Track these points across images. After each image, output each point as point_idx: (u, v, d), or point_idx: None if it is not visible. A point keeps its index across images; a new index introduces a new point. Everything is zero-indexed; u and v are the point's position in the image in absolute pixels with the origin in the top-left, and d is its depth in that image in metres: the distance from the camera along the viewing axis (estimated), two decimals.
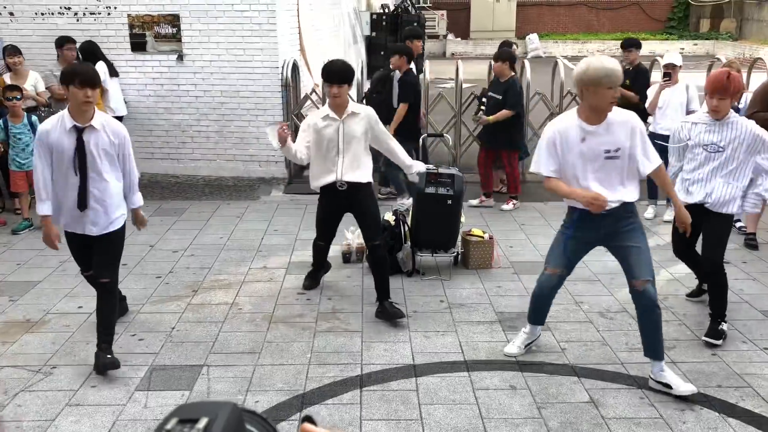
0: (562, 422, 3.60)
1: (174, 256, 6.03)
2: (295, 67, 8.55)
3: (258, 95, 8.39)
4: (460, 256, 5.81)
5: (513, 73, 7.21)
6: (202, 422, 0.62)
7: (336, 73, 4.57)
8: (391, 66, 7.33)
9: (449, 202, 5.56)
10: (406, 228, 5.70)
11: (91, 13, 8.40)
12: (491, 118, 7.11)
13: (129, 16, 8.37)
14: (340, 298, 5.12)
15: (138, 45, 8.44)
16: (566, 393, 3.87)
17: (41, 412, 3.70)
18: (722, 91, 4.22)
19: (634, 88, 7.37)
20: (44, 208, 4.05)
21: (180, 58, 8.37)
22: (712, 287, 4.52)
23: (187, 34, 8.31)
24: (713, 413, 3.67)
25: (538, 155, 3.87)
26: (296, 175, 8.60)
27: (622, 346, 4.41)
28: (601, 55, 3.77)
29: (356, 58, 12.20)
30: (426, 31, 15.66)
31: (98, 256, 4.22)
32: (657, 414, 3.67)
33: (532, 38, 23.23)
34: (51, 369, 4.16)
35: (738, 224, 6.60)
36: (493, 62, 7.37)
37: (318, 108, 8.24)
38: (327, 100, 4.61)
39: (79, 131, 3.92)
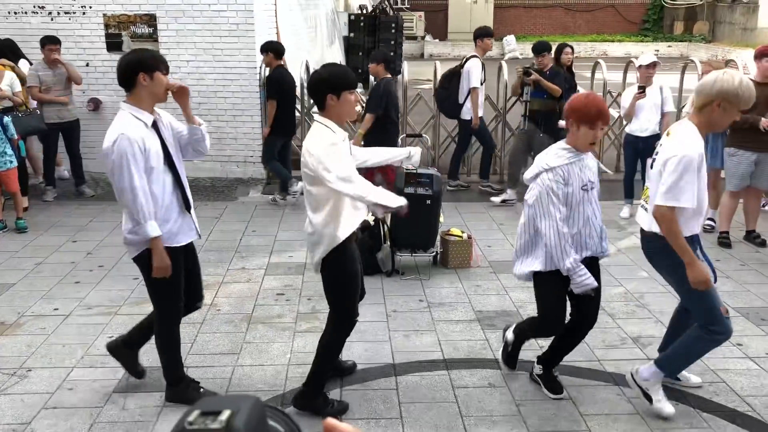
0: (541, 419, 3.64)
1: None
2: None
3: (236, 96, 8.36)
4: (439, 256, 5.84)
5: (387, 76, 6.88)
6: (225, 414, 0.62)
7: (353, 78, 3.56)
8: (369, 72, 7.26)
9: (428, 202, 5.59)
10: (386, 228, 5.71)
11: (65, 13, 8.31)
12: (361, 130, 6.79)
13: (104, 15, 8.29)
14: (319, 298, 5.11)
15: (114, 45, 8.36)
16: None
17: (17, 416, 3.65)
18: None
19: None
20: (155, 227, 3.39)
21: None
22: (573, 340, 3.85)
23: (164, 35, 8.25)
24: (688, 408, 3.73)
25: (683, 185, 3.20)
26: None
27: (599, 344, 4.46)
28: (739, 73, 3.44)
29: (335, 59, 12.18)
30: (404, 32, 15.69)
31: (195, 272, 3.81)
32: (634, 410, 3.72)
33: (509, 40, 23.38)
34: (26, 372, 4.11)
35: (707, 222, 6.71)
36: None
37: (296, 108, 8.24)
38: (339, 115, 3.43)
39: (154, 124, 3.44)
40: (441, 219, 5.86)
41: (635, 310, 4.94)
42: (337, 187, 3.28)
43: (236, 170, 8.52)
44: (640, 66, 6.80)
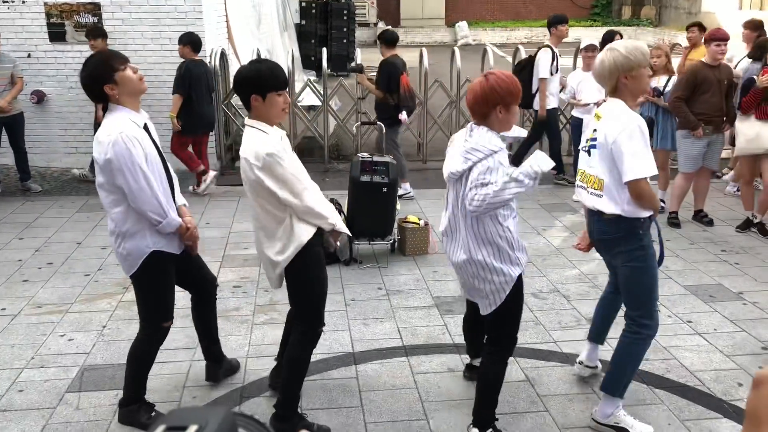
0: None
1: (103, 252, 5.84)
2: (223, 56, 8.37)
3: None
4: (396, 243, 5.85)
5: (194, 57, 7.22)
6: (191, 430, 0.59)
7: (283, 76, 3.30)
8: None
9: (384, 189, 5.58)
10: (342, 217, 5.69)
11: (3, 2, 8.01)
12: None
13: (46, 4, 8.02)
14: (276, 290, 5.07)
15: (56, 35, 8.10)
16: None
17: None
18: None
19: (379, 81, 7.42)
20: (177, 219, 3.32)
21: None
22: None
23: (110, 24, 8.03)
24: (642, 385, 3.82)
25: (643, 154, 3.12)
26: (229, 166, 8.45)
27: (555, 326, 4.53)
28: (618, 41, 3.39)
29: (286, 46, 12.05)
30: (356, 19, 15.61)
31: (198, 265, 3.73)
32: (590, 390, 3.80)
33: (462, 26, 23.46)
34: None
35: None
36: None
37: None
38: (267, 117, 3.19)
39: (146, 126, 3.29)
40: (398, 206, 5.87)
41: (589, 291, 5.03)
42: (300, 216, 3.16)
43: None
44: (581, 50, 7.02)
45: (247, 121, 3.23)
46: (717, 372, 3.96)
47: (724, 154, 7.01)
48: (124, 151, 3.09)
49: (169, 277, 3.46)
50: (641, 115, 6.69)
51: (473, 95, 3.13)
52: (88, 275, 5.38)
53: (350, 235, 3.40)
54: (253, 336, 4.41)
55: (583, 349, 3.94)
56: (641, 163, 3.09)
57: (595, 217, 3.38)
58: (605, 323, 3.87)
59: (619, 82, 3.20)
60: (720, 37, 6.10)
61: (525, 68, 7.70)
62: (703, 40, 6.36)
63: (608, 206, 3.25)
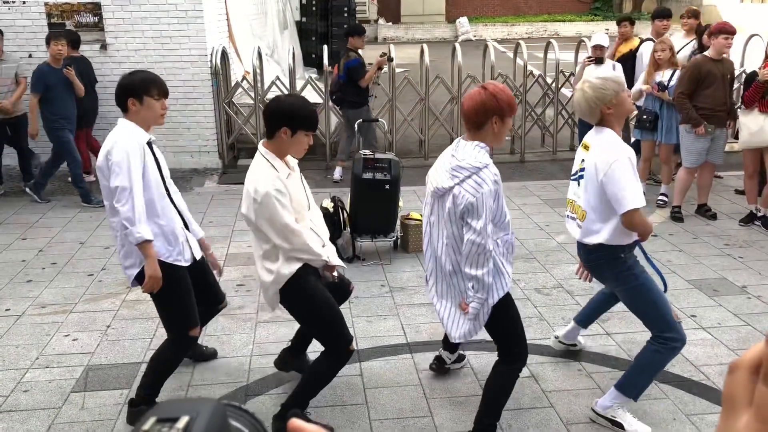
0: None
1: (106, 252, 5.84)
2: (224, 55, 8.36)
3: (187, 84, 8.18)
4: (399, 240, 5.85)
5: (75, 54, 7.27)
6: (182, 421, 0.58)
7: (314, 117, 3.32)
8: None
9: (387, 186, 5.57)
10: (345, 214, 5.69)
11: (4, 2, 8.00)
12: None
13: (46, 4, 8.02)
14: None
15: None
16: None
17: None
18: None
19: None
20: (148, 231, 3.23)
21: (103, 47, 8.08)
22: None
23: (110, 23, 8.02)
24: None
25: (634, 186, 3.15)
26: (230, 165, 8.46)
27: (558, 321, 4.53)
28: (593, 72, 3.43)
29: (287, 44, 12.04)
30: (357, 15, 15.59)
31: (210, 280, 3.77)
32: (594, 384, 3.79)
33: (462, 21, 23.42)
34: None
35: (660, 198, 6.86)
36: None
37: (250, 95, 8.13)
38: (285, 151, 3.23)
39: (149, 144, 3.35)
40: (400, 203, 5.86)
41: (593, 287, 5.01)
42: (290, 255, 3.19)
43: (190, 161, 8.36)
44: (592, 47, 7.00)
45: (261, 148, 3.23)
46: (722, 366, 3.95)
47: (726, 147, 6.98)
48: (124, 152, 3.18)
49: (181, 285, 3.43)
50: (645, 109, 6.73)
51: (471, 103, 3.06)
52: (91, 275, 5.39)
53: (345, 266, 3.43)
54: (257, 334, 4.41)
55: (565, 329, 4.08)
56: (632, 195, 3.14)
57: (580, 245, 3.46)
58: (594, 314, 4.00)
59: (603, 113, 3.24)
60: (728, 30, 6.06)
61: (628, 60, 7.54)
62: (708, 33, 6.30)
63: (590, 238, 3.33)
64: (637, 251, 3.43)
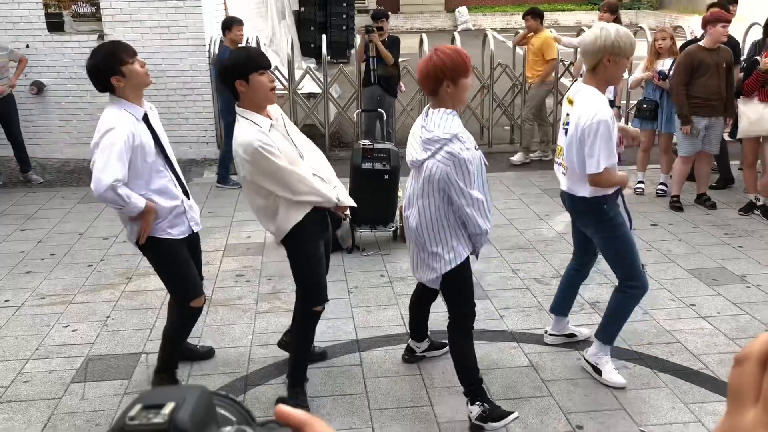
0: (504, 386, 3.69)
1: (105, 243, 5.84)
2: (221, 44, 8.32)
3: (185, 74, 8.16)
4: (399, 230, 5.84)
5: None
6: (168, 407, 0.58)
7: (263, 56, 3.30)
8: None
9: (386, 177, 5.56)
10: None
11: None
12: None
13: None
14: (279, 278, 5.07)
15: (55, 25, 8.06)
16: (506, 358, 3.96)
17: None
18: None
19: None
20: (141, 201, 3.25)
21: (101, 38, 8.03)
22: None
23: (108, 13, 7.99)
24: (645, 369, 3.82)
25: (606, 148, 3.26)
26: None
27: None
28: (609, 24, 3.45)
29: (286, 34, 11.98)
30: (356, 5, 15.51)
31: (196, 261, 3.71)
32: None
33: (462, 11, 23.33)
34: None
35: (659, 187, 6.86)
36: None
37: None
38: (256, 102, 3.19)
39: (145, 117, 3.31)
40: (399, 193, 5.85)
41: (592, 276, 5.00)
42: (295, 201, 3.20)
43: (189, 151, 8.35)
44: None
45: (237, 110, 3.20)
46: (721, 355, 3.96)
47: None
48: (111, 142, 3.14)
49: (178, 257, 3.47)
50: (645, 98, 6.71)
51: (420, 71, 3.16)
52: (90, 266, 5.39)
53: (355, 205, 3.53)
54: (257, 325, 4.42)
55: (550, 324, 4.17)
56: (600, 159, 3.28)
57: (565, 193, 3.64)
58: (566, 298, 4.10)
59: (602, 62, 3.31)
60: (725, 19, 6.04)
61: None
62: (704, 22, 6.27)
63: (574, 189, 3.53)
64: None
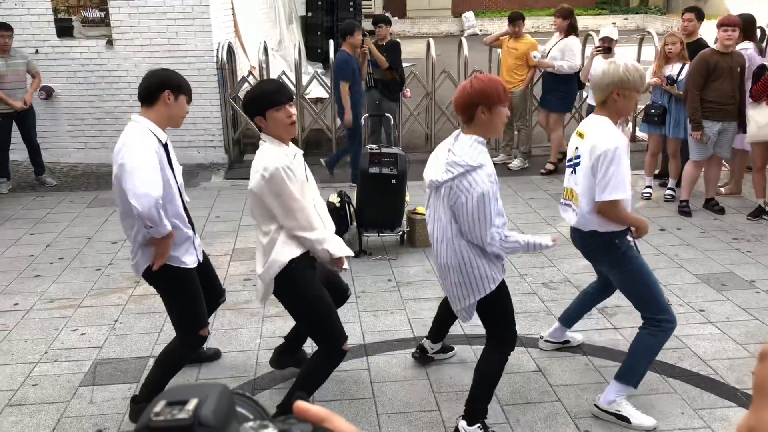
0: (512, 391, 3.68)
1: (113, 247, 5.86)
2: (230, 50, 8.37)
3: (193, 79, 8.15)
4: (406, 235, 5.84)
5: None
6: (192, 403, 0.60)
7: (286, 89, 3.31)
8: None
9: (393, 181, 5.57)
10: (352, 209, 5.68)
11: None
12: None
13: (53, 0, 8.03)
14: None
15: (64, 30, 8.11)
16: (514, 363, 3.94)
17: None
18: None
19: (388, 60, 7.53)
20: (168, 223, 3.18)
21: (110, 43, 8.09)
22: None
23: (116, 18, 8.03)
24: (654, 375, 3.81)
25: (618, 177, 3.19)
26: (237, 160, 8.46)
27: None
28: (621, 59, 3.40)
29: (293, 39, 12.03)
30: (362, 10, 15.56)
31: (209, 276, 3.71)
32: (602, 379, 3.79)
33: (468, 16, 23.36)
34: None
35: (667, 192, 6.85)
36: None
37: None
38: (276, 135, 3.18)
39: (165, 145, 3.31)
40: (407, 198, 5.86)
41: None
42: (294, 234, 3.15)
43: (197, 156, 8.38)
44: (600, 39, 7.03)
45: (262, 135, 3.22)
46: (730, 361, 3.94)
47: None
48: (144, 152, 3.10)
49: (190, 286, 3.41)
50: (654, 103, 6.71)
51: (458, 97, 3.14)
52: (99, 270, 5.41)
53: (352, 253, 3.45)
54: (264, 329, 4.42)
55: (549, 329, 4.12)
56: (612, 187, 3.17)
57: (576, 231, 3.49)
58: (578, 313, 4.02)
59: (611, 96, 3.27)
60: (727, 23, 6.04)
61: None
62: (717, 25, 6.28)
63: (585, 225, 3.37)
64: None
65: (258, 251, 3.31)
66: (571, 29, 7.50)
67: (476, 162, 3.01)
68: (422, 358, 3.94)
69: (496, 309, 3.27)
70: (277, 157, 3.09)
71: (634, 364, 3.41)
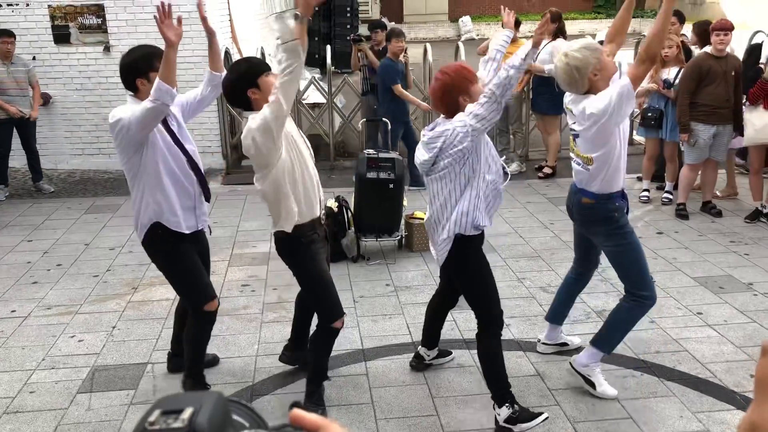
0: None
1: (111, 253, 5.86)
2: (227, 56, 8.37)
3: (190, 85, 8.10)
4: (404, 239, 5.84)
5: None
6: (187, 412, 0.60)
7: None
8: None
9: (391, 186, 5.58)
10: (349, 214, 5.68)
11: (8, 5, 8.03)
12: None
13: (50, 6, 8.04)
14: (285, 287, 5.07)
15: (61, 37, 8.12)
16: (512, 367, 3.93)
17: None
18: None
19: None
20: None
21: (107, 49, 8.10)
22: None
23: (113, 25, 8.04)
24: (653, 378, 3.81)
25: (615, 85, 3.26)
26: (234, 165, 8.46)
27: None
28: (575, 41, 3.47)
29: None
30: (359, 15, 15.59)
31: (206, 265, 3.72)
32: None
33: (465, 20, 23.41)
34: None
35: (664, 195, 6.86)
36: None
37: None
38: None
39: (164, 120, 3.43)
40: (404, 202, 5.86)
41: (598, 284, 5.01)
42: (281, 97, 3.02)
43: None
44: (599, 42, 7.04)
45: (247, 114, 3.25)
46: (728, 363, 3.94)
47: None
48: (131, 116, 3.19)
49: (185, 257, 3.48)
50: (650, 107, 6.72)
51: (434, 92, 3.22)
52: (96, 276, 5.40)
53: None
54: (263, 334, 4.42)
55: (544, 332, 4.15)
56: (615, 88, 3.16)
57: (574, 198, 3.59)
58: (564, 306, 4.08)
59: (590, 80, 3.30)
60: (720, 27, 6.06)
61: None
62: (710, 29, 6.30)
63: (585, 179, 3.46)
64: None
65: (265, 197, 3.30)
66: (559, 32, 7.57)
67: (453, 124, 3.10)
68: (419, 365, 3.95)
69: (476, 283, 3.36)
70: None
71: (611, 333, 3.61)
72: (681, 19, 7.07)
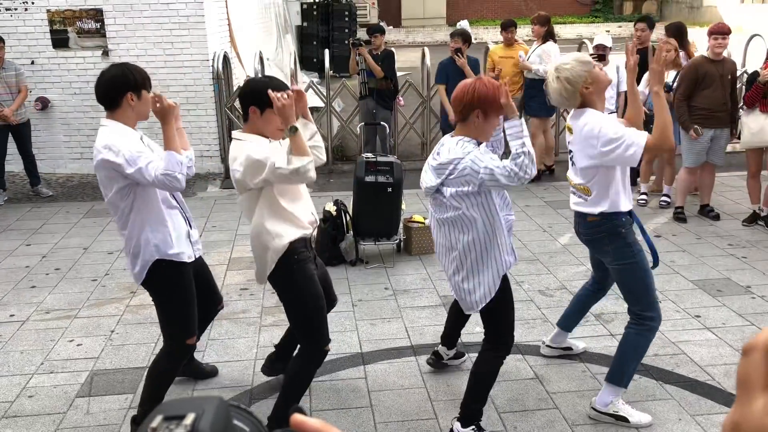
0: (509, 399, 3.68)
1: (109, 257, 5.85)
2: (225, 60, 8.38)
3: (189, 89, 8.21)
4: (402, 243, 5.85)
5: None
6: (189, 418, 0.60)
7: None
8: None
9: (389, 189, 5.58)
10: (348, 217, 5.69)
11: (6, 9, 8.04)
12: None
13: (48, 11, 8.05)
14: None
15: (60, 41, 8.13)
16: (511, 371, 3.94)
17: None
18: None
19: (382, 69, 7.63)
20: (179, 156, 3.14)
21: (105, 53, 8.11)
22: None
23: (112, 29, 8.05)
24: (651, 381, 3.81)
25: (625, 131, 3.17)
26: None
27: None
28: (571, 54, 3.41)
29: (288, 48, 12.06)
30: (357, 20, 15.62)
31: (209, 279, 3.70)
32: (599, 386, 3.77)
33: (463, 24, 23.45)
34: None
35: (662, 199, 6.87)
36: None
37: None
38: (261, 133, 3.19)
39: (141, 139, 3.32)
40: (403, 206, 5.87)
41: None
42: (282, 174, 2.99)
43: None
44: (594, 47, 7.07)
45: (234, 133, 3.18)
46: (727, 366, 3.94)
47: (728, 148, 6.99)
48: (124, 146, 3.06)
49: (187, 289, 3.36)
50: (649, 110, 6.73)
51: (458, 92, 3.15)
52: (95, 280, 5.40)
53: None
54: (261, 338, 4.42)
55: (550, 334, 4.12)
56: (632, 136, 3.08)
57: (579, 219, 3.50)
58: (578, 315, 4.02)
59: (583, 94, 3.25)
60: (717, 31, 6.09)
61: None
62: (707, 33, 6.32)
63: (588, 207, 3.37)
64: (636, 229, 3.46)
65: (253, 234, 3.26)
66: (548, 35, 7.65)
67: (463, 152, 3.04)
68: (436, 364, 3.93)
69: (498, 311, 3.28)
70: (252, 149, 3.02)
71: (624, 365, 3.43)
72: (650, 24, 7.13)
